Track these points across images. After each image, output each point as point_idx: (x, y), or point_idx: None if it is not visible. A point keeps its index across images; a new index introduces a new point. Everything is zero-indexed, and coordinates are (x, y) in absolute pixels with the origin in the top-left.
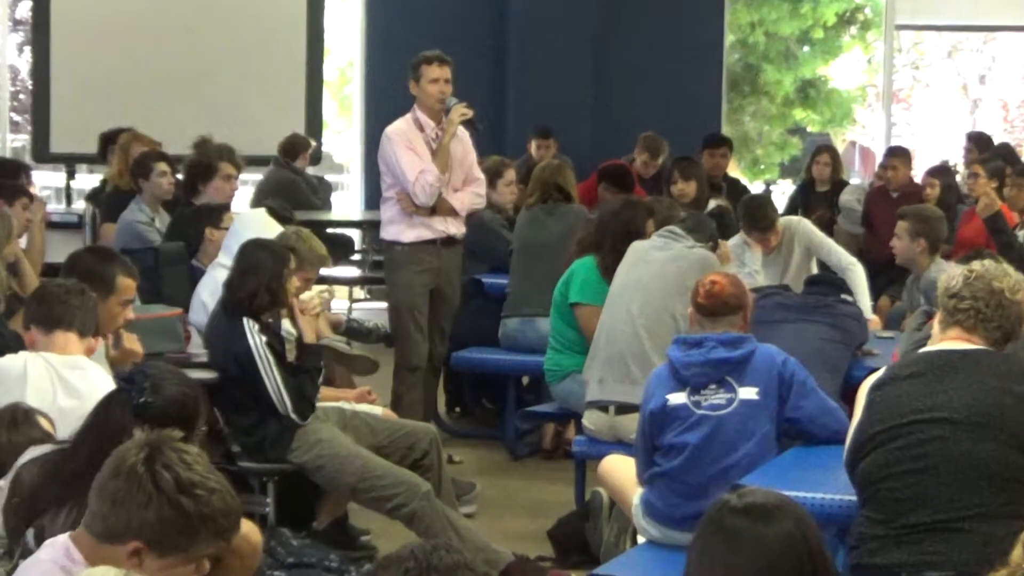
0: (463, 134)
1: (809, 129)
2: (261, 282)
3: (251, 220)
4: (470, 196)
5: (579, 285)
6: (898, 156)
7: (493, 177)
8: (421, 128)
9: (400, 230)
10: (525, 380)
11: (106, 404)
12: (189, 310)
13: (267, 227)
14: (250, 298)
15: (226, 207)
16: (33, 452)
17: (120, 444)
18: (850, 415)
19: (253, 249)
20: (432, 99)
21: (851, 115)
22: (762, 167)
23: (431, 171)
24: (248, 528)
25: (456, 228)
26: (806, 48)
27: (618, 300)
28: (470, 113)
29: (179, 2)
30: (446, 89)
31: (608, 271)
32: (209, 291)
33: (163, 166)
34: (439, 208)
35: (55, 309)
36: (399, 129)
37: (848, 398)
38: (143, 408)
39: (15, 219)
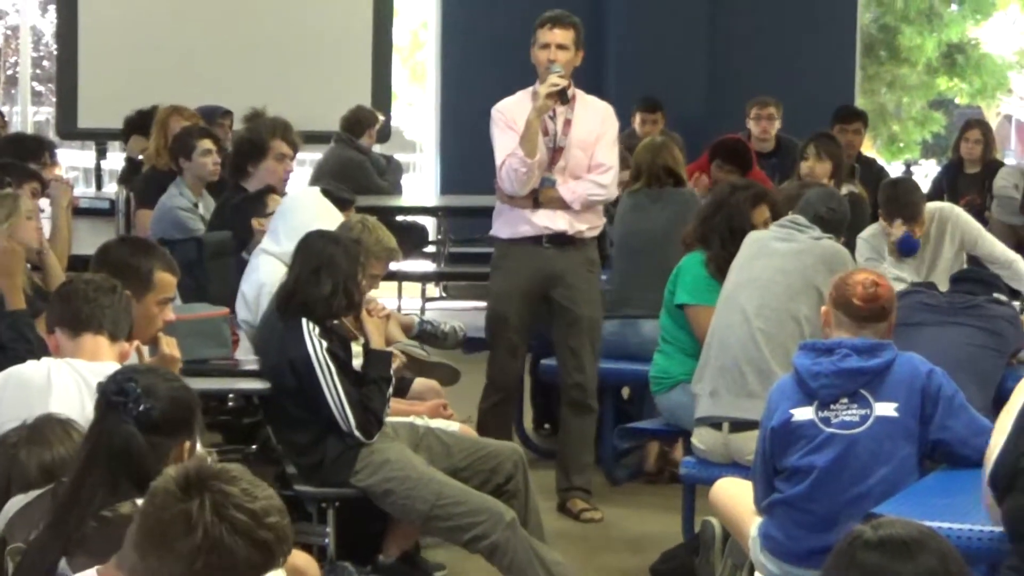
0: (589, 108)
1: (957, 101)
2: (337, 283)
3: (302, 202)
4: (587, 185)
5: (688, 284)
6: None
7: None
8: None
9: (500, 225)
10: (626, 392)
11: (102, 422)
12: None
13: (321, 210)
14: (325, 301)
15: (270, 189)
16: (20, 501)
17: (130, 458)
18: None
19: (323, 244)
20: (540, 68)
21: (1006, 84)
22: (901, 145)
23: (517, 155)
24: (304, 561)
25: (574, 224)
26: (953, 6)
27: (732, 300)
28: (562, 83)
29: None
30: (558, 56)
31: (719, 270)
32: (252, 282)
33: (207, 143)
34: (543, 199)
35: (83, 309)
36: (507, 105)
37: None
38: (145, 417)
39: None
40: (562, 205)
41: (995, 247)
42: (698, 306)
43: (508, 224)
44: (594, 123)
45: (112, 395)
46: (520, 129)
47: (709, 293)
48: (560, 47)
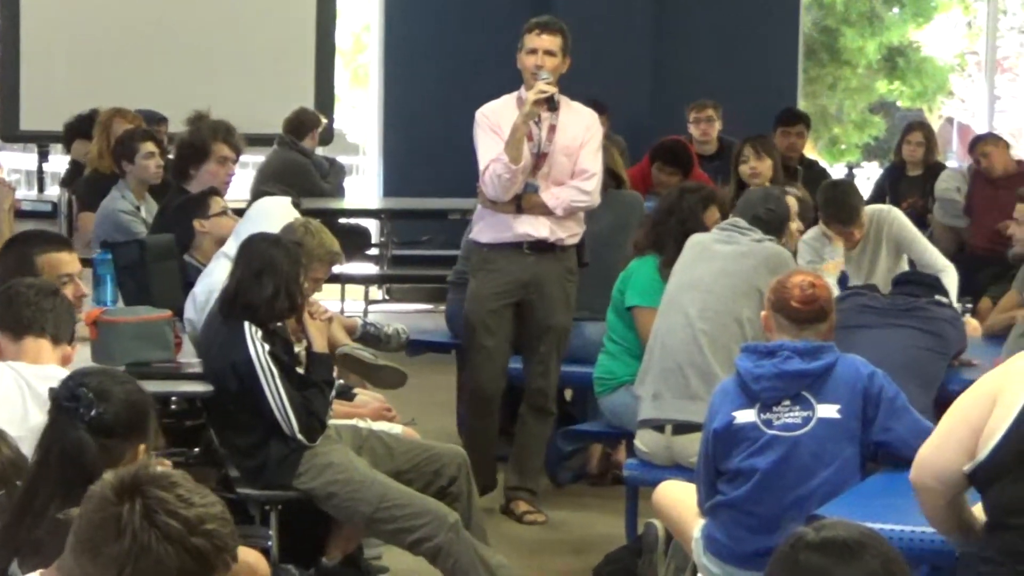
0: (574, 114)
1: (899, 104)
2: (279, 285)
3: (270, 211)
4: (570, 192)
5: (640, 286)
6: (987, 143)
7: None
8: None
9: (481, 229)
10: (568, 394)
11: (53, 427)
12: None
13: (289, 219)
14: (267, 303)
15: (212, 191)
16: None
17: (82, 464)
18: None
19: (264, 246)
20: (527, 73)
21: (947, 87)
22: (843, 148)
23: (502, 160)
24: (255, 558)
25: (555, 231)
26: (895, 10)
27: (675, 302)
28: (550, 90)
29: None
30: (546, 62)
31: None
32: (204, 285)
33: (149, 146)
34: (526, 205)
35: (24, 312)
36: (492, 108)
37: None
38: (97, 421)
39: None
40: (545, 211)
41: (926, 252)
42: (649, 308)
43: (490, 229)
44: (579, 129)
45: (64, 400)
46: (505, 134)
47: (658, 295)
48: (548, 53)
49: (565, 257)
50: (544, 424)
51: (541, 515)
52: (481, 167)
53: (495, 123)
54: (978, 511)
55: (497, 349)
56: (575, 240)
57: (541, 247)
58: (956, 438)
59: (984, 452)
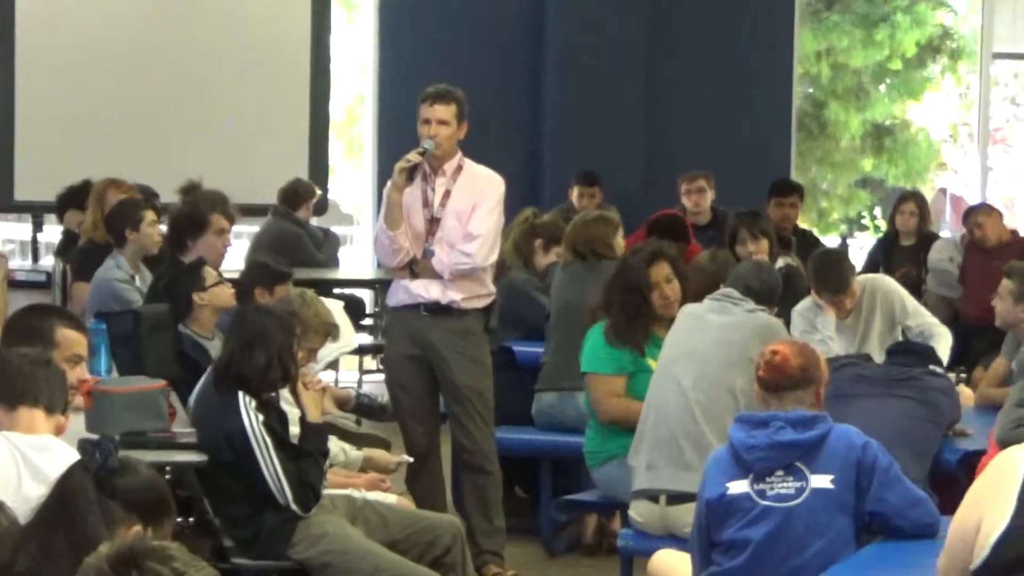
0: (470, 178)
1: (889, 182)
2: (272, 355)
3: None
4: (454, 255)
5: (586, 352)
6: (980, 213)
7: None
8: (424, 177)
9: (389, 293)
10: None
11: (68, 471)
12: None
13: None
14: (260, 374)
15: (202, 262)
16: None
17: (75, 505)
18: (940, 505)
19: (256, 316)
20: (423, 142)
21: (937, 161)
22: (830, 222)
23: (382, 227)
24: None
25: (447, 293)
26: (887, 82)
27: (668, 372)
28: (413, 160)
29: (165, 29)
30: (438, 131)
31: (618, 337)
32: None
33: (152, 215)
34: (418, 269)
35: (18, 382)
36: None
37: (937, 485)
38: (105, 473)
39: None
40: (436, 275)
41: (919, 315)
42: (594, 374)
43: (392, 293)
44: (473, 193)
45: (86, 444)
46: (404, 200)
47: (605, 361)
48: (440, 122)
49: (464, 319)
50: (482, 482)
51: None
52: (373, 235)
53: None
54: None
55: (419, 408)
56: (475, 304)
57: (436, 309)
58: (957, 546)
59: (984, 552)
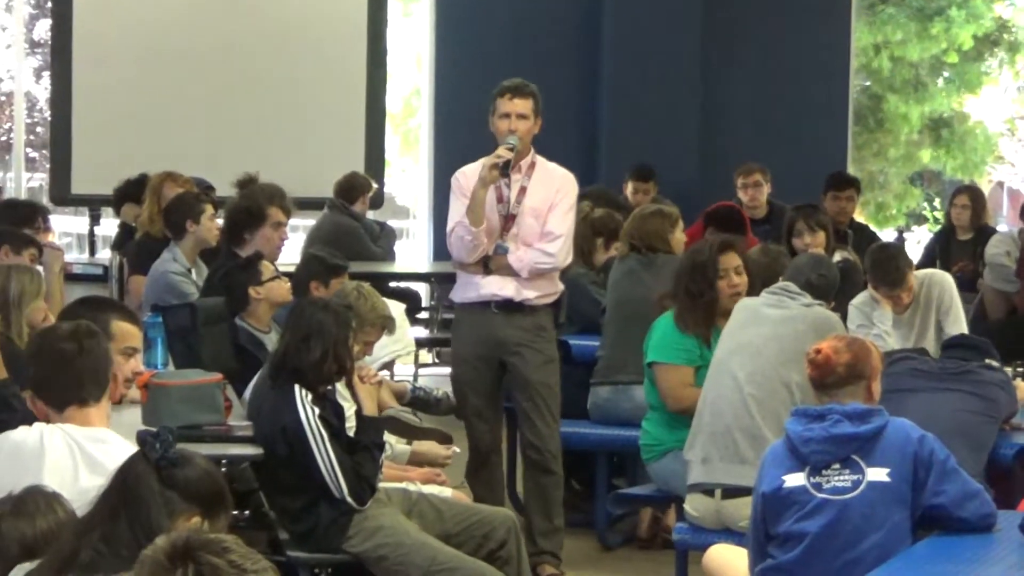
0: (546, 175)
1: (947, 174)
2: (328, 348)
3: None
4: (534, 254)
5: (655, 341)
6: None
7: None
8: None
9: (455, 289)
10: (617, 458)
11: (128, 461)
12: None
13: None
14: (315, 367)
15: (259, 256)
16: (26, 567)
17: (138, 495)
18: (996, 499)
19: (312, 310)
20: (499, 136)
21: (992, 156)
22: (888, 214)
23: (463, 223)
24: None
25: (521, 291)
26: (944, 75)
27: (724, 366)
28: (506, 156)
29: (221, 21)
30: (518, 126)
31: (687, 324)
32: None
33: (211, 208)
34: (494, 266)
35: (60, 382)
36: (465, 171)
37: (993, 479)
38: (165, 463)
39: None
40: (512, 272)
41: (954, 327)
42: (663, 364)
43: (460, 289)
44: (549, 191)
45: (146, 435)
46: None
47: (676, 351)
48: (520, 116)
49: (536, 315)
50: (545, 482)
51: None
52: (448, 229)
53: (465, 186)
54: None
55: (485, 407)
56: (547, 300)
57: (508, 307)
58: None
59: None
